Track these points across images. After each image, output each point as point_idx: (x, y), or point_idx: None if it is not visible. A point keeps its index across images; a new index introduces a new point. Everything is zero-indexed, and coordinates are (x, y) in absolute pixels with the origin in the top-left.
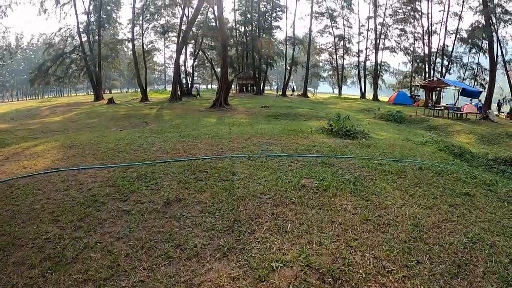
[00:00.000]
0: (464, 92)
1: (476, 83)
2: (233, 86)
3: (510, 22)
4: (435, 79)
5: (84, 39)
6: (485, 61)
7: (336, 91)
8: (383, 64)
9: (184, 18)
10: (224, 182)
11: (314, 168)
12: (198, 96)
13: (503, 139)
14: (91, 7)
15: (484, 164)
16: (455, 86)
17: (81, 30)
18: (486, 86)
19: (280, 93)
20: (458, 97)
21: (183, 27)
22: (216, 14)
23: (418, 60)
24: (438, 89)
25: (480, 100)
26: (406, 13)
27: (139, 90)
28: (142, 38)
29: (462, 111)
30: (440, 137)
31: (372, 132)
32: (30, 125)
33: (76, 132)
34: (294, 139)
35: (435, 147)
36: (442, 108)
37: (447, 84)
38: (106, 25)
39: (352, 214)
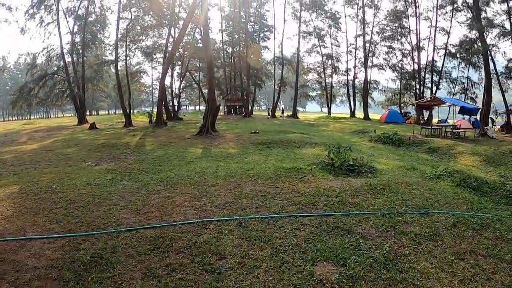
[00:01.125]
0: (463, 110)
1: (466, 97)
2: (221, 108)
3: (509, 37)
4: (428, 97)
5: (68, 60)
6: (474, 75)
7: (325, 109)
8: (372, 82)
9: (171, 39)
10: (207, 275)
11: (327, 239)
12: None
13: (508, 158)
14: (75, 28)
15: (504, 196)
16: (454, 105)
17: (65, 51)
18: (477, 100)
19: (270, 114)
20: (448, 113)
21: (169, 48)
22: (202, 35)
23: (407, 77)
24: (434, 107)
25: (471, 116)
26: (394, 30)
27: None
28: (126, 59)
29: (458, 128)
30: (450, 165)
31: (374, 160)
32: (2, 155)
33: (44, 169)
34: (294, 185)
35: (452, 182)
36: (441, 127)
37: (444, 103)
38: (91, 45)
39: None
